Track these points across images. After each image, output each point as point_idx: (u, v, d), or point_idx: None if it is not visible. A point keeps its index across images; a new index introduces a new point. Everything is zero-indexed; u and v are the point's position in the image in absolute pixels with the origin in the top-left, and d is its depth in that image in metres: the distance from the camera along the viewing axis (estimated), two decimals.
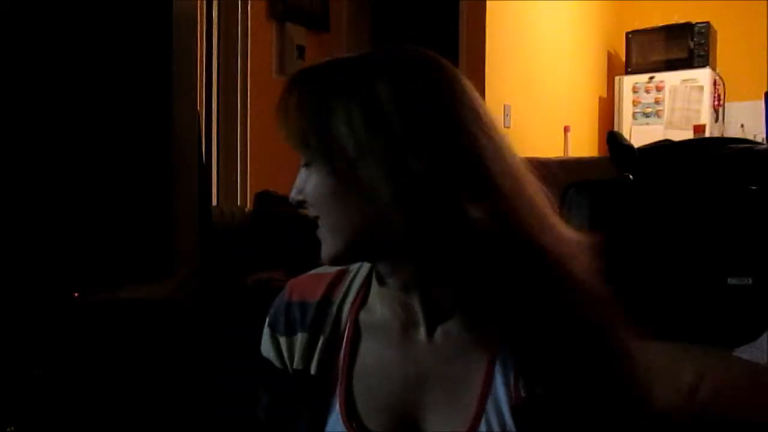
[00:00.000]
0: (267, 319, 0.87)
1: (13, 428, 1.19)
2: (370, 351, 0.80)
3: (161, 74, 1.51)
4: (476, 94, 0.76)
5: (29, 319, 1.27)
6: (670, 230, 1.49)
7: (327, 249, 0.76)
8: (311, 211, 0.77)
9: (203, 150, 2.36)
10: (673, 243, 1.47)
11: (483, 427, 0.73)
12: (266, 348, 0.86)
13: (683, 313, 1.43)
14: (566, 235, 0.77)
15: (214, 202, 2.75)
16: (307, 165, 0.76)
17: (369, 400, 0.78)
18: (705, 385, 1.26)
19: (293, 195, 0.79)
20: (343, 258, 0.78)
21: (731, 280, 1.40)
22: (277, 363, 0.85)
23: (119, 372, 1.38)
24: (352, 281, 0.84)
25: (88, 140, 1.36)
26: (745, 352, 1.34)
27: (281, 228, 2.02)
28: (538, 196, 0.76)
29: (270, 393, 0.85)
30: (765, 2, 4.27)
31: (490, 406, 0.73)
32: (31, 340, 1.28)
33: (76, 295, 1.35)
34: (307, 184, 0.76)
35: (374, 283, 0.82)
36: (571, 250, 0.75)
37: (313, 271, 0.88)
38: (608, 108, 4.98)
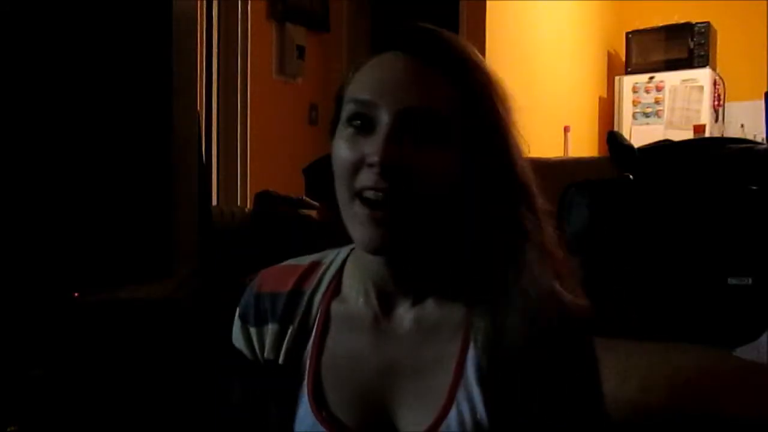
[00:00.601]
0: (237, 310, 0.87)
1: (14, 428, 1.19)
2: (341, 341, 0.80)
3: (161, 74, 1.50)
4: None
5: (29, 319, 1.28)
6: (670, 230, 1.49)
7: (399, 233, 0.71)
8: (401, 187, 0.69)
9: (203, 150, 2.36)
10: (673, 243, 1.47)
11: (453, 414, 0.73)
12: (237, 339, 0.86)
13: (683, 313, 1.43)
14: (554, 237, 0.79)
15: (214, 202, 2.75)
16: (437, 141, 0.70)
17: (339, 390, 0.78)
18: (705, 384, 1.26)
19: (387, 159, 0.68)
20: (410, 244, 0.74)
21: (731, 280, 1.40)
22: (248, 354, 0.85)
23: (119, 372, 1.38)
24: (324, 272, 0.84)
25: (88, 140, 1.36)
26: (745, 352, 1.34)
27: (281, 228, 2.02)
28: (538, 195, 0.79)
29: (242, 384, 0.85)
30: (765, 2, 4.26)
31: (461, 394, 0.73)
32: (31, 340, 1.28)
33: (76, 295, 1.35)
34: (430, 160, 0.70)
35: (348, 273, 0.82)
36: (556, 250, 0.77)
37: (285, 263, 0.88)
38: (608, 108, 4.98)
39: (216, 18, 2.82)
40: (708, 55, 4.59)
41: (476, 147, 0.72)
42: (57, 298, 1.34)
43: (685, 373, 1.28)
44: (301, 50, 3.03)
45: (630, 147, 1.71)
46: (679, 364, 1.31)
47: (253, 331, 0.84)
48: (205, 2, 2.73)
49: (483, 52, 3.23)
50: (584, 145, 4.54)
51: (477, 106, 0.73)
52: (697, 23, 4.60)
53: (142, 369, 1.41)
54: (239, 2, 2.82)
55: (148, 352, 1.43)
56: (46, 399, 1.27)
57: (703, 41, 4.59)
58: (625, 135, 4.09)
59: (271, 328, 0.83)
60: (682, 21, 4.65)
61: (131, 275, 1.46)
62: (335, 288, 0.82)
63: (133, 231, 1.44)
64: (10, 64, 1.23)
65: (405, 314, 0.78)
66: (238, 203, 2.81)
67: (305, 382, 0.78)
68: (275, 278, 0.86)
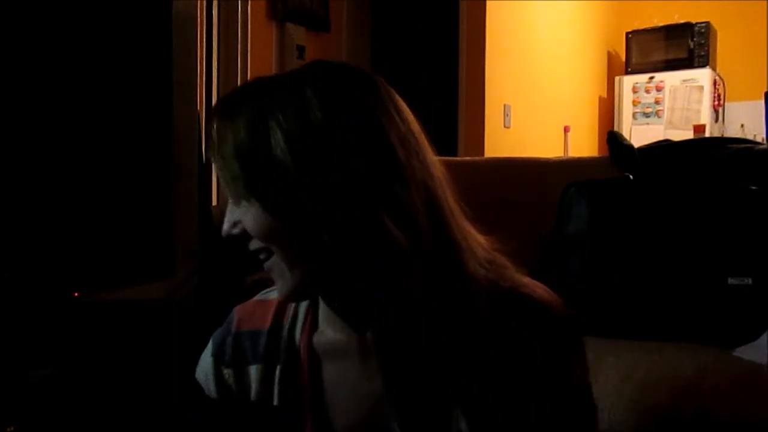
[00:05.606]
0: (210, 349, 0.85)
1: (13, 428, 1.19)
2: (331, 373, 0.78)
3: (161, 74, 1.50)
4: (404, 106, 0.74)
5: (30, 319, 1.28)
6: (670, 230, 1.48)
7: (285, 284, 0.72)
8: (253, 245, 0.73)
9: (203, 150, 2.36)
10: (673, 243, 1.47)
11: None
12: (205, 377, 0.84)
13: (683, 313, 1.43)
14: (482, 241, 0.76)
15: (214, 202, 2.75)
16: (244, 198, 0.71)
17: (339, 422, 0.76)
18: (705, 384, 1.26)
19: (227, 228, 0.74)
20: (304, 292, 0.75)
21: (731, 280, 1.40)
22: (212, 393, 0.82)
23: (119, 372, 1.38)
24: (299, 305, 0.82)
25: (88, 140, 1.36)
26: (745, 352, 1.34)
27: None
28: (455, 209, 0.75)
29: (202, 421, 0.83)
30: (765, 2, 4.27)
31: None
32: (31, 340, 1.28)
33: (76, 294, 1.35)
34: (246, 217, 0.71)
35: (322, 305, 0.80)
36: (494, 257, 0.76)
37: (257, 297, 0.86)
38: (608, 108, 4.98)
39: (216, 18, 2.81)
40: (708, 55, 4.59)
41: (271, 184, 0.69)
42: (57, 298, 1.34)
43: (685, 373, 1.28)
44: (301, 50, 3.03)
45: (630, 147, 1.71)
46: (678, 364, 1.31)
47: (228, 372, 0.82)
48: (205, 2, 2.73)
49: (483, 52, 3.21)
50: (584, 145, 4.54)
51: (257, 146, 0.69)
52: (697, 23, 4.60)
53: (142, 369, 1.41)
54: (239, 2, 2.82)
55: (148, 352, 1.43)
56: (46, 399, 1.27)
57: (703, 41, 4.59)
58: (625, 135, 4.09)
59: (254, 370, 0.81)
60: (682, 21, 4.65)
61: (131, 275, 1.46)
62: (312, 320, 0.80)
63: (134, 231, 1.44)
64: (9, 64, 1.23)
65: (382, 337, 0.76)
66: None
67: (306, 419, 0.77)
68: (252, 315, 0.84)
